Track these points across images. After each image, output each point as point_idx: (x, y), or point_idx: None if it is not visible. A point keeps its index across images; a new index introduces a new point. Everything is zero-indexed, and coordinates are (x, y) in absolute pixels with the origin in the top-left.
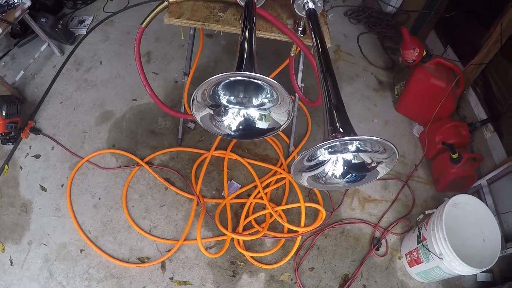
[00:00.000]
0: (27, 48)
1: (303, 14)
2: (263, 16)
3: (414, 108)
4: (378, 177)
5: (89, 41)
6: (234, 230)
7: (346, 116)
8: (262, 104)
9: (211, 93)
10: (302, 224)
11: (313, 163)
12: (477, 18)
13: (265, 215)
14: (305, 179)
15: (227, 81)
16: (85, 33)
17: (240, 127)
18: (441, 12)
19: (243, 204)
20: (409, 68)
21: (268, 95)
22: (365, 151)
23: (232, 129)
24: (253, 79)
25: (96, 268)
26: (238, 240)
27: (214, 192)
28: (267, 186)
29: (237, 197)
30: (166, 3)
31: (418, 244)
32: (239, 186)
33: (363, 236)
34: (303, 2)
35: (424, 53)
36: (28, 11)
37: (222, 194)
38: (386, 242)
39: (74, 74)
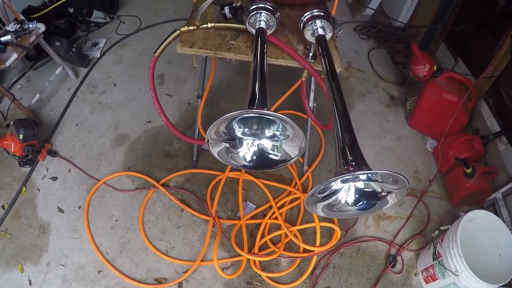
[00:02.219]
0: (42, 71)
1: (313, 40)
2: (273, 42)
3: (427, 123)
4: (387, 207)
5: (103, 63)
6: (250, 251)
7: (357, 148)
8: (274, 135)
9: (225, 129)
10: (317, 243)
11: (326, 193)
12: (486, 30)
13: (280, 235)
14: (320, 209)
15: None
16: (98, 56)
17: (254, 157)
18: (450, 26)
19: (258, 225)
20: (420, 82)
21: (280, 128)
22: (376, 180)
23: (247, 160)
24: (266, 115)
25: None
26: (254, 260)
27: (229, 213)
28: (282, 206)
29: (252, 217)
30: (178, 32)
31: (433, 260)
32: (254, 206)
33: (378, 253)
34: (312, 28)
35: (435, 67)
36: (42, 35)
37: (238, 215)
38: (402, 259)
39: (89, 97)
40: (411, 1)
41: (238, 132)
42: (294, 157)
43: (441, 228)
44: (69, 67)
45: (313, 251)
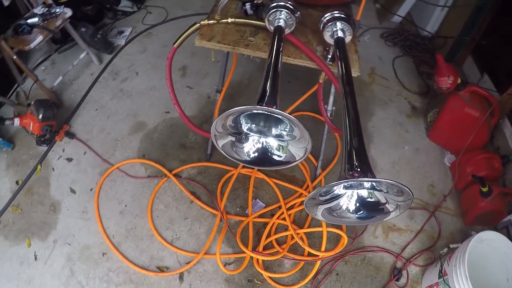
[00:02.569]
0: (67, 55)
1: (331, 42)
2: (292, 42)
3: (447, 136)
4: (388, 219)
5: (127, 51)
6: (254, 249)
7: (365, 155)
8: (281, 135)
9: (232, 123)
10: (323, 248)
11: (328, 196)
12: None
13: (286, 236)
14: (320, 212)
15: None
16: (123, 44)
17: (256, 154)
18: (478, 39)
19: (265, 224)
20: (443, 95)
21: (287, 128)
22: (381, 190)
23: (251, 156)
24: (274, 114)
25: (116, 272)
26: (257, 259)
27: (238, 209)
28: (292, 207)
29: (260, 216)
30: (198, 25)
31: (439, 278)
32: (264, 205)
33: (384, 265)
34: (332, 30)
35: (459, 80)
36: (69, 20)
37: (246, 212)
38: (407, 273)
39: (111, 83)
40: (440, 11)
41: (245, 127)
42: (299, 159)
43: (451, 246)
44: (93, 52)
45: (318, 255)
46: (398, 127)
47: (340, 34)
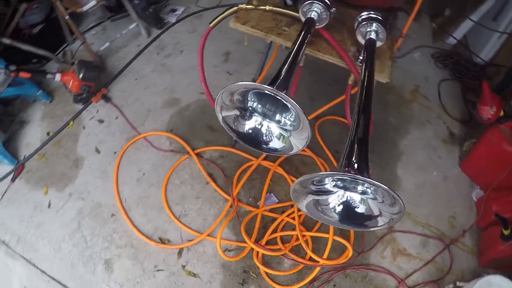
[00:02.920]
0: (118, 24)
1: (362, 42)
2: (324, 36)
3: (479, 169)
4: (373, 229)
5: (176, 29)
6: (257, 241)
7: (366, 155)
8: (285, 123)
9: (240, 98)
10: (325, 256)
11: (319, 187)
12: None
13: (292, 236)
14: (306, 202)
15: (256, 90)
16: (174, 21)
17: (255, 134)
18: None
19: (274, 219)
20: (483, 125)
21: (292, 118)
22: (375, 199)
23: (250, 133)
24: (274, 94)
25: (120, 234)
26: (257, 252)
27: (251, 199)
28: None
29: (271, 210)
30: (236, 8)
31: None
32: (277, 200)
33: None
34: (366, 30)
35: (502, 113)
36: None
37: (258, 203)
38: None
39: (155, 57)
40: (497, 38)
41: (252, 105)
42: (296, 150)
43: (458, 283)
44: (143, 25)
45: (318, 262)
46: (431, 150)
47: (372, 35)
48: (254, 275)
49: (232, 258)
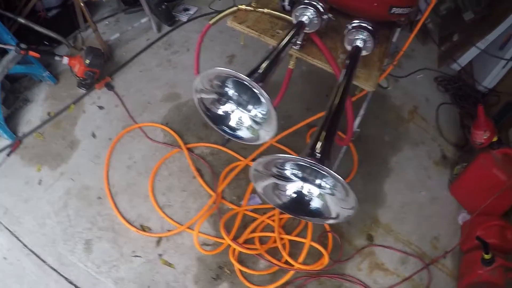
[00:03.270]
0: (131, 17)
1: (349, 48)
2: (315, 41)
3: (468, 193)
4: (319, 222)
5: (186, 28)
6: (235, 239)
7: (329, 150)
8: (256, 115)
9: (220, 83)
10: (300, 260)
11: (281, 170)
12: None
13: (270, 238)
14: (266, 183)
15: (234, 79)
16: (185, 20)
17: (228, 121)
18: None
19: (255, 219)
20: (476, 150)
21: (264, 111)
22: (333, 194)
23: (222, 119)
24: (243, 80)
25: (103, 217)
26: (234, 249)
27: (234, 198)
28: None
29: (253, 211)
30: (236, 8)
31: None
32: (260, 202)
33: None
34: (354, 37)
35: (495, 138)
36: None
37: (241, 203)
38: None
39: (161, 52)
40: (501, 68)
41: (227, 91)
42: (262, 141)
43: None
44: (155, 21)
45: (293, 265)
46: (422, 171)
47: (359, 43)
48: (228, 272)
49: (208, 252)
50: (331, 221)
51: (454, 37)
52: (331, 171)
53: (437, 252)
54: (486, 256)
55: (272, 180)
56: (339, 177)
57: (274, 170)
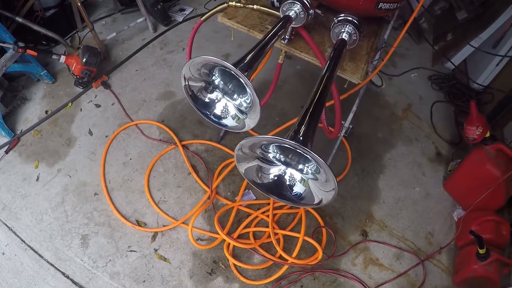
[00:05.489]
0: (128, 17)
1: (334, 41)
2: (302, 35)
3: (462, 189)
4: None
5: (181, 28)
6: (230, 234)
7: (312, 134)
8: (241, 104)
9: (207, 71)
10: (294, 255)
11: (265, 153)
12: None
13: (264, 233)
14: (249, 165)
15: (220, 68)
16: (180, 21)
17: (213, 108)
18: None
19: (249, 215)
20: (469, 146)
21: (248, 100)
22: (316, 179)
23: (207, 107)
24: (229, 69)
25: (99, 213)
26: (228, 244)
27: (229, 193)
28: (280, 208)
29: (247, 206)
30: (225, 4)
31: None
32: (254, 197)
33: None
34: (339, 30)
35: (488, 134)
36: None
37: (235, 198)
38: None
39: (157, 52)
40: (495, 66)
41: (214, 80)
42: (246, 129)
43: None
44: (151, 21)
45: (287, 260)
46: (415, 167)
47: (344, 36)
48: (223, 266)
49: (203, 246)
50: (313, 206)
51: (448, 36)
52: (311, 152)
53: (432, 247)
54: (481, 251)
55: (256, 163)
56: (318, 157)
57: (259, 152)
